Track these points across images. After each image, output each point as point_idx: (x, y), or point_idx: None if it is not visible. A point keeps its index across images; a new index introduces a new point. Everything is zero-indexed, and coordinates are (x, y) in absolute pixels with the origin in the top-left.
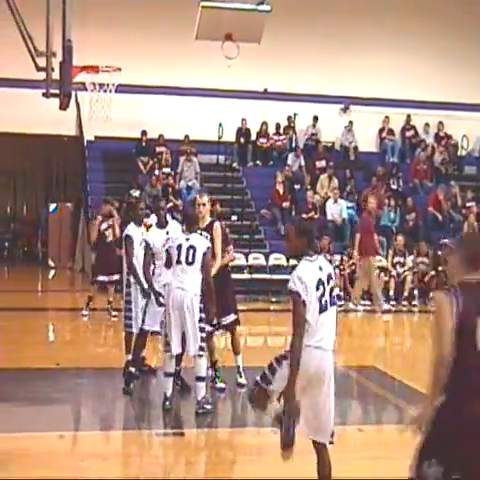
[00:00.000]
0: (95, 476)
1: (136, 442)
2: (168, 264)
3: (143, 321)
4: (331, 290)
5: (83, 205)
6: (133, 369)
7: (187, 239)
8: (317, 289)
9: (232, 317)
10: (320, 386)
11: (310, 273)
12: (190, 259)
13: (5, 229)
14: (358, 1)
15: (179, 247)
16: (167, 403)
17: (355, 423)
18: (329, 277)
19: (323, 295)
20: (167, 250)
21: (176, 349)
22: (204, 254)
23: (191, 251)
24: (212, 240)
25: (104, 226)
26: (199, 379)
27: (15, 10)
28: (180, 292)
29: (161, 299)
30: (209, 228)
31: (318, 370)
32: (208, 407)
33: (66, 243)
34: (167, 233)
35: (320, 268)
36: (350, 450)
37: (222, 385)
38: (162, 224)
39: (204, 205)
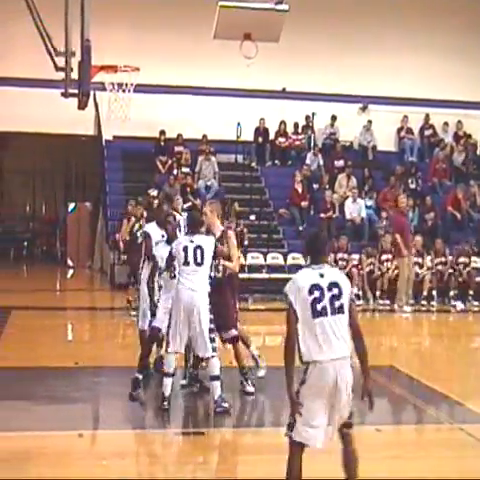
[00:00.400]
0: (114, 475)
1: (155, 441)
2: (169, 265)
3: (151, 322)
4: (334, 298)
5: (102, 204)
6: (140, 376)
7: (191, 241)
8: (310, 293)
9: (233, 332)
10: (337, 395)
11: (305, 277)
12: (199, 260)
13: (24, 228)
14: (378, 0)
15: (185, 249)
16: (165, 403)
17: (373, 423)
18: (333, 285)
19: (319, 300)
20: (170, 253)
21: (178, 348)
22: (214, 253)
23: (199, 252)
24: (228, 248)
25: (136, 227)
26: (214, 378)
27: (34, 10)
28: (190, 293)
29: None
30: (223, 237)
31: (333, 383)
32: (225, 405)
33: (85, 242)
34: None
35: (321, 275)
36: (368, 450)
37: (252, 389)
38: (171, 240)
39: (206, 214)
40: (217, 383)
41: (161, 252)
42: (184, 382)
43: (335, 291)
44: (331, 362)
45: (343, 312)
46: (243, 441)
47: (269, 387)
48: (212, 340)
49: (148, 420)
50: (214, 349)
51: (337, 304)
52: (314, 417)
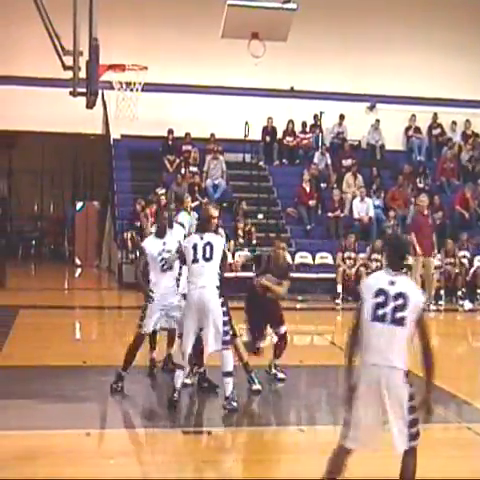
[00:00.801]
0: (122, 474)
1: (162, 440)
2: (182, 262)
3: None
4: (397, 308)
5: (110, 203)
6: (123, 372)
7: (202, 237)
8: (376, 296)
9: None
10: (379, 401)
11: (376, 279)
12: (208, 255)
13: (32, 227)
14: None
15: (194, 247)
16: (175, 395)
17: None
18: (400, 296)
19: (382, 305)
20: (179, 250)
21: (189, 350)
22: (223, 251)
23: (208, 248)
24: None
25: None
26: (226, 375)
27: (42, 9)
28: (199, 290)
29: (150, 293)
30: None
31: (377, 388)
32: (234, 404)
33: (93, 241)
34: (164, 244)
35: (392, 282)
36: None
37: (258, 387)
38: (161, 234)
39: (215, 218)
40: (229, 379)
41: (148, 245)
42: (188, 381)
43: (400, 302)
44: (376, 367)
45: (402, 325)
46: (250, 440)
47: (277, 386)
48: (225, 333)
49: (155, 419)
50: (225, 342)
51: (398, 315)
52: (358, 417)
